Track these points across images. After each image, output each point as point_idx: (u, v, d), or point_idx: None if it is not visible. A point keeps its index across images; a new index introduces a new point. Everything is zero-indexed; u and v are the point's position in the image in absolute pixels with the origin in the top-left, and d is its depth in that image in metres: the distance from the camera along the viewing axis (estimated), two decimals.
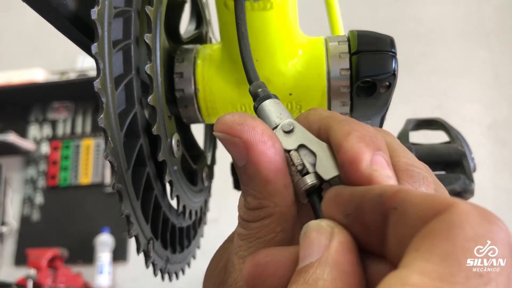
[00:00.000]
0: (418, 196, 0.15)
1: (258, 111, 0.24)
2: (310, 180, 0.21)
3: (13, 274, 1.99)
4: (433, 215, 0.14)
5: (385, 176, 0.18)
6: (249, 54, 0.28)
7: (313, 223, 0.18)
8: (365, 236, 0.17)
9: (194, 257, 0.44)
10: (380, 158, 0.19)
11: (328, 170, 0.20)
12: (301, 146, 0.21)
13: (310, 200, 0.21)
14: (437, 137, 0.50)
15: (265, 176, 0.20)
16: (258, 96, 0.25)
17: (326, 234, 0.17)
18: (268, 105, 0.24)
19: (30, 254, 1.85)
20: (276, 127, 0.23)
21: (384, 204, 0.16)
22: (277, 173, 0.21)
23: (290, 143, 0.22)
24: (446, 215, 0.14)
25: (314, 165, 0.21)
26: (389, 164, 0.19)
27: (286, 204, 0.21)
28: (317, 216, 0.20)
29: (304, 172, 0.21)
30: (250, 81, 0.26)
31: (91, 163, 2.22)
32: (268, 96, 0.24)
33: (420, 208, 0.14)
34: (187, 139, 0.42)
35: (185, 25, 0.46)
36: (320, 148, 0.21)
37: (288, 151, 0.21)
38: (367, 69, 0.33)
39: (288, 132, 0.22)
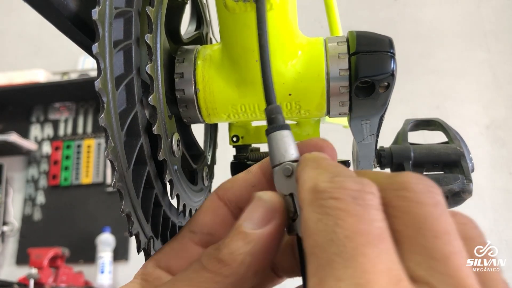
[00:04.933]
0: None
1: (269, 137, 0.25)
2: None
3: (15, 273, 1.99)
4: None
5: None
6: (269, 73, 0.28)
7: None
8: None
9: None
10: None
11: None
12: (292, 194, 0.24)
13: (298, 242, 0.23)
14: (435, 137, 0.50)
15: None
16: (272, 123, 0.26)
17: None
18: (279, 138, 0.25)
19: (32, 253, 1.86)
20: (278, 165, 0.24)
21: None
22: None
23: (285, 187, 0.24)
24: None
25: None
26: None
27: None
28: (302, 257, 0.22)
29: (294, 218, 0.23)
30: (268, 102, 0.27)
31: (92, 163, 2.23)
32: (281, 127, 0.25)
33: None
34: (188, 139, 0.42)
35: (186, 26, 0.46)
36: None
37: (284, 195, 0.24)
38: (366, 69, 0.33)
39: (287, 176, 0.24)
